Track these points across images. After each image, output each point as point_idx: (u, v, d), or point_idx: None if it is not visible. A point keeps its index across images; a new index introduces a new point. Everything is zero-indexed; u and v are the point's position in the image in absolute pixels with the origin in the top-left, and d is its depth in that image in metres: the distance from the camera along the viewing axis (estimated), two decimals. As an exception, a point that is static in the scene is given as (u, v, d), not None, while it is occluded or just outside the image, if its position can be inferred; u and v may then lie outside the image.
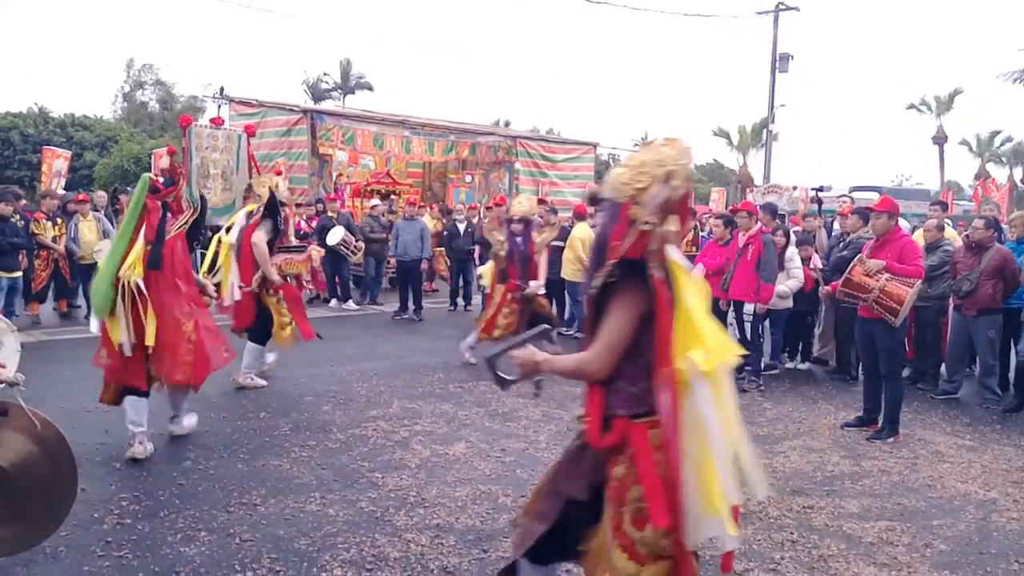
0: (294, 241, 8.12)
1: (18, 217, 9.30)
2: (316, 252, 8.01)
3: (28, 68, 64.29)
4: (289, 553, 3.90)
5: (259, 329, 7.19)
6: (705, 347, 2.44)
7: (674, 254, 2.57)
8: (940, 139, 42.83)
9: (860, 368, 7.24)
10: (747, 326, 8.15)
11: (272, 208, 7.01)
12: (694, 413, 2.44)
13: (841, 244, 8.43)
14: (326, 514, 4.40)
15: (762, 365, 8.35)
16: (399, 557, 3.90)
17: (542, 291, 8.31)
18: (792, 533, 4.34)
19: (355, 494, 4.70)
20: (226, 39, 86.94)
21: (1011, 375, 7.83)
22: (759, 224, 8.12)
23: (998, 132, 43.47)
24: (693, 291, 2.54)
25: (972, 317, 7.49)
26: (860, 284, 6.14)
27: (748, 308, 8.05)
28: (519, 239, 8.28)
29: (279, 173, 8.12)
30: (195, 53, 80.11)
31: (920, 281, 6.15)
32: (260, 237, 6.95)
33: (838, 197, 13.13)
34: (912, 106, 43.24)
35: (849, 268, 6.27)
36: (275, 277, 7.04)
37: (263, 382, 7.27)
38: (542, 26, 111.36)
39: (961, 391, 7.77)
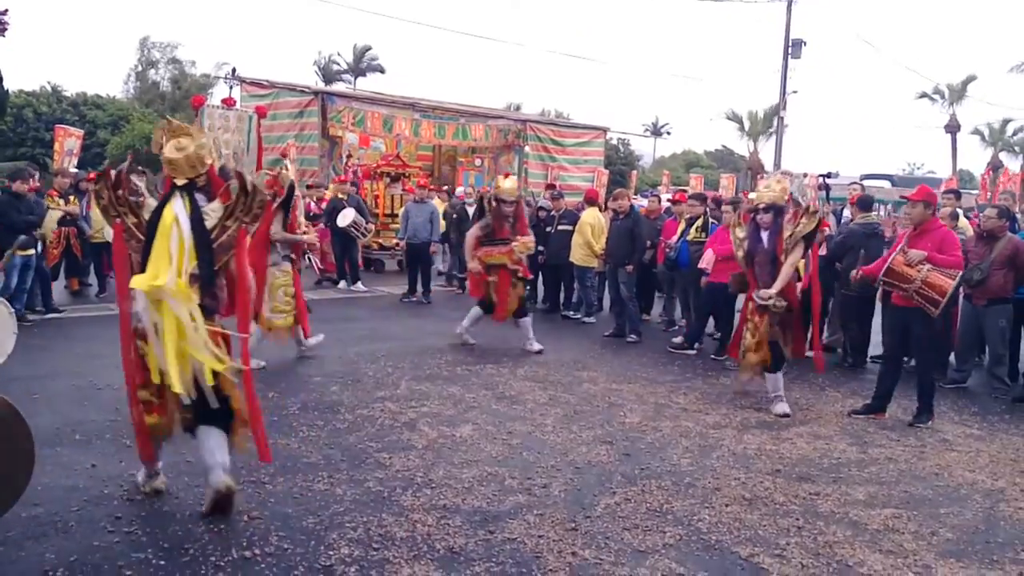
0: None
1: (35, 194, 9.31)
2: (519, 245, 8.43)
3: (41, 46, 64.36)
4: (297, 531, 3.93)
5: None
6: (151, 273, 3.83)
7: (176, 207, 3.97)
8: (953, 128, 42.39)
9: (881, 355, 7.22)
10: None
11: (482, 208, 8.61)
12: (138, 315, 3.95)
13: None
14: (333, 493, 4.43)
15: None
16: (405, 537, 3.93)
17: (775, 301, 6.27)
18: (798, 519, 4.35)
19: (362, 474, 4.73)
20: (239, 20, 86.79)
21: (1021, 365, 7.80)
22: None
23: (1010, 121, 42.95)
24: (164, 235, 3.90)
25: (982, 307, 7.45)
26: (902, 274, 6.13)
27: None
28: (765, 234, 6.42)
29: (507, 176, 9.48)
30: (209, 34, 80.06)
31: (961, 272, 6.15)
32: (471, 232, 8.55)
33: (848, 185, 13.04)
34: (924, 95, 42.78)
35: (891, 258, 6.26)
36: (472, 265, 8.50)
37: (472, 340, 8.66)
38: (554, 9, 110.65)
39: (970, 380, 7.75)
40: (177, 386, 3.82)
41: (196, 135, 4.17)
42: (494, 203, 8.44)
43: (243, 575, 3.49)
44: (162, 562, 3.56)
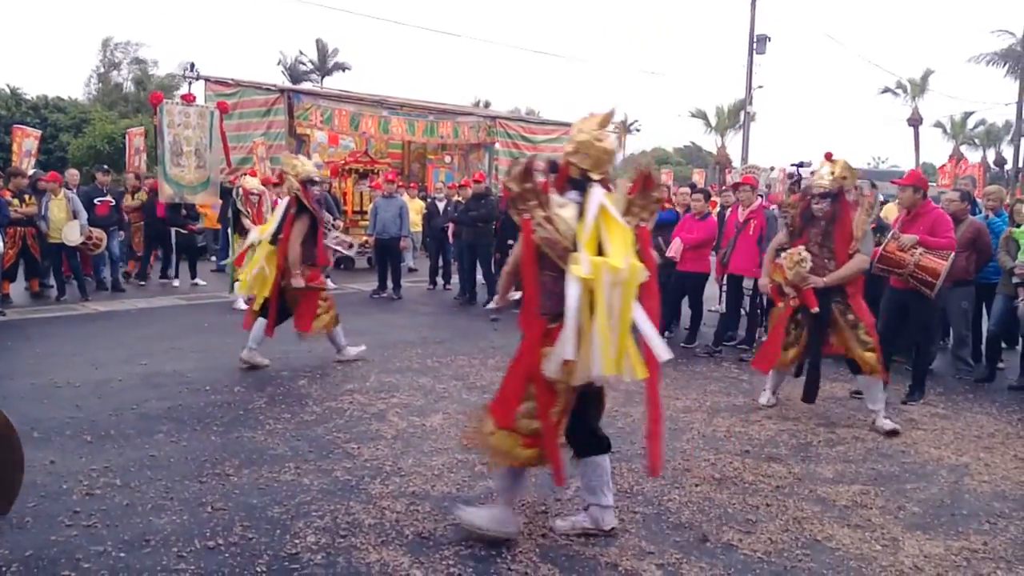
0: None
1: None
2: (787, 258, 6.13)
3: (0, 49, 62.96)
4: (262, 521, 3.86)
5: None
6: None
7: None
8: (915, 121, 43.03)
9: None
10: (745, 299, 8.20)
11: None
12: None
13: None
14: (300, 483, 4.36)
15: (756, 335, 8.38)
16: (373, 524, 3.87)
17: None
18: (766, 497, 4.36)
19: (330, 464, 4.67)
20: (203, 21, 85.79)
21: (983, 347, 7.90)
22: (760, 199, 8.17)
23: (971, 114, 43.74)
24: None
25: (946, 289, 7.51)
26: (895, 259, 6.17)
27: (747, 283, 8.10)
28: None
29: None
30: (172, 35, 79.02)
31: (953, 253, 6.18)
32: (774, 241, 6.50)
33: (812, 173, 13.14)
34: (887, 90, 43.34)
35: (883, 244, 6.27)
36: (761, 282, 6.68)
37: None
38: (521, 6, 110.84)
39: (935, 363, 7.83)
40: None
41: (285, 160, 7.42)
42: (804, 199, 5.88)
43: (206, 565, 3.41)
44: (122, 554, 3.48)
